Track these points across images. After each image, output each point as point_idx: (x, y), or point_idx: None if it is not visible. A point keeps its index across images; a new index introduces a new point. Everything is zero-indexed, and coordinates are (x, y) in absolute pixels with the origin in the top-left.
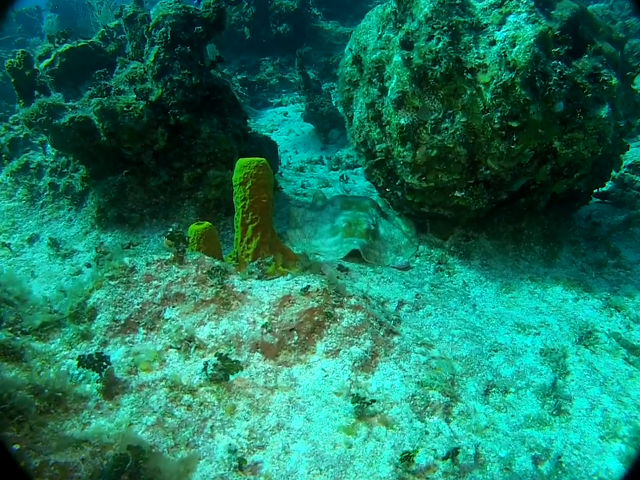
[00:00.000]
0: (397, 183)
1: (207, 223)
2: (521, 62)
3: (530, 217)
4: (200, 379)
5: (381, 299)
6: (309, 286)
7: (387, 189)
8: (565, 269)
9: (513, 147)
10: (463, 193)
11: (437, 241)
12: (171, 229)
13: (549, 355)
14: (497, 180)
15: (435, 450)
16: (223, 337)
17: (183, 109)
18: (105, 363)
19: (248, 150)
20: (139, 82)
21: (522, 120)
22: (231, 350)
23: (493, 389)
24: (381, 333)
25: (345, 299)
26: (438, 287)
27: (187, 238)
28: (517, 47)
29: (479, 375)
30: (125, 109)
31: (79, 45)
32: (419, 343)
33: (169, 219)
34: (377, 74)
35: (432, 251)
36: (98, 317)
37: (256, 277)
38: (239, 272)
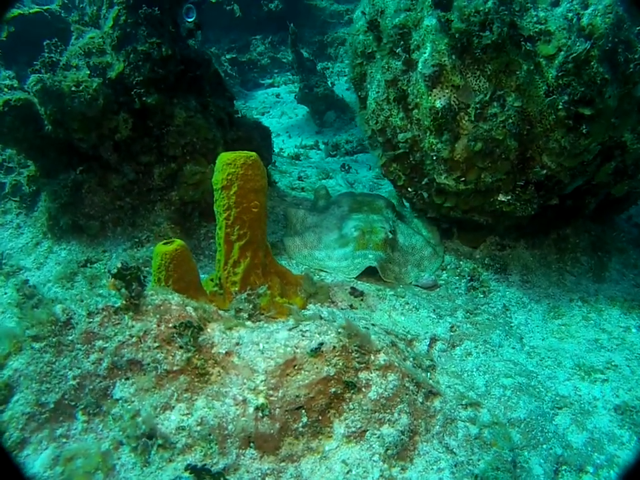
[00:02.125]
0: (424, 182)
1: (178, 241)
2: (600, 27)
3: (576, 222)
4: None
5: (408, 336)
6: (321, 344)
7: (409, 189)
8: (617, 285)
9: (580, 140)
10: (509, 197)
11: (466, 250)
12: (120, 264)
13: (627, 414)
14: (552, 181)
15: None
16: (198, 428)
17: (151, 88)
18: None
19: (235, 138)
20: (97, 55)
21: (597, 106)
22: (211, 448)
23: (565, 467)
24: (420, 400)
25: (372, 356)
26: (474, 312)
27: (142, 277)
28: (592, 7)
29: (544, 446)
30: (73, 88)
31: (30, 11)
32: (463, 403)
33: (136, 227)
34: (402, 43)
35: (461, 262)
36: (14, 398)
37: (246, 315)
38: (221, 310)
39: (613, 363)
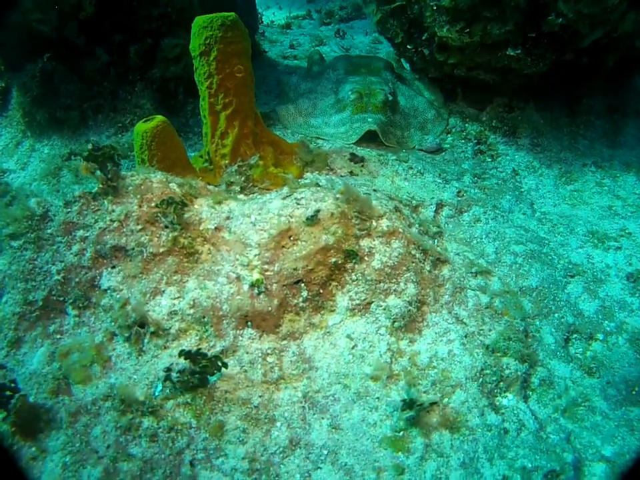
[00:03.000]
0: (424, 38)
1: (158, 117)
2: None
3: (590, 82)
4: (164, 388)
5: (413, 202)
6: (318, 211)
7: (409, 46)
8: (633, 150)
9: None
10: (519, 51)
11: (472, 112)
12: (90, 145)
13: (638, 282)
14: (567, 33)
15: (524, 464)
16: (191, 311)
17: None
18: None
19: (214, 4)
20: None
21: None
22: (206, 331)
23: (575, 336)
24: (427, 268)
25: (374, 222)
26: (482, 177)
27: (115, 156)
28: None
29: (556, 315)
30: None
31: None
32: (473, 271)
33: (118, 112)
34: None
35: (466, 125)
36: (2, 300)
37: (238, 188)
38: (211, 184)
39: (627, 231)
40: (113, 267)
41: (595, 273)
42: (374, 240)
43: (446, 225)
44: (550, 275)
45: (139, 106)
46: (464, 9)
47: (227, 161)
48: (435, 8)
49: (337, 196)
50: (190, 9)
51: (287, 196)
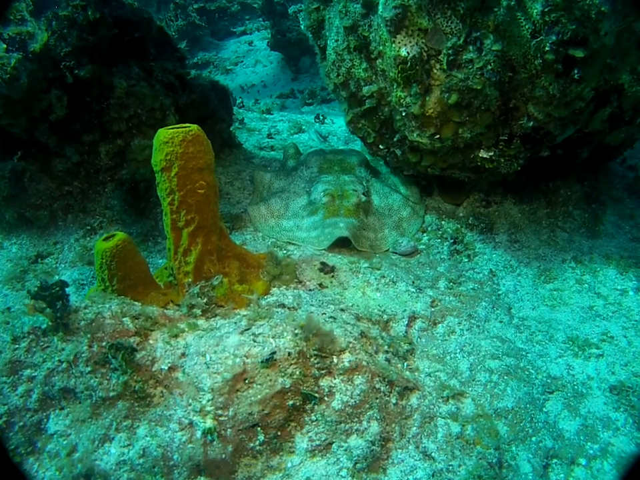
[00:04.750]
0: (396, 139)
1: (119, 235)
2: None
3: (567, 171)
4: None
5: (384, 316)
6: (274, 352)
7: (381, 146)
8: (613, 240)
9: (571, 87)
10: (492, 153)
11: (448, 208)
12: (38, 283)
13: (622, 394)
14: (539, 133)
15: None
16: (141, 461)
17: (83, 59)
18: None
19: (188, 102)
20: (16, 23)
21: (591, 46)
22: None
23: (555, 461)
24: (393, 401)
25: (335, 358)
26: (458, 281)
27: (64, 296)
28: None
29: (534, 439)
30: None
31: None
32: (444, 395)
33: (87, 212)
34: None
35: (443, 223)
36: None
37: (199, 312)
38: (174, 303)
39: (608, 334)
40: (62, 409)
41: (576, 387)
42: (335, 378)
43: (419, 340)
44: (527, 394)
45: (109, 207)
46: (433, 115)
47: (190, 279)
48: (404, 114)
49: (296, 331)
50: (161, 108)
51: (245, 330)
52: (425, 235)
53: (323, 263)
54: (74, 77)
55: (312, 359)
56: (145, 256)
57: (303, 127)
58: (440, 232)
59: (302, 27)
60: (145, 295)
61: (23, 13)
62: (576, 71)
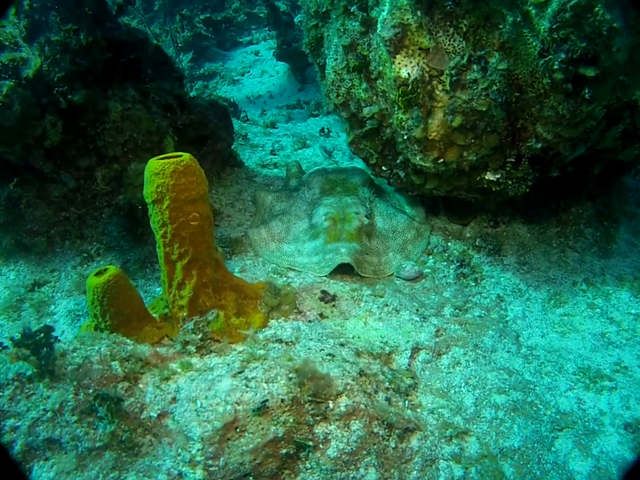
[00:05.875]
0: (399, 161)
1: (111, 270)
2: None
3: (578, 188)
4: None
5: (386, 348)
6: (266, 400)
7: (384, 167)
8: (627, 259)
9: (581, 107)
10: (499, 176)
11: (455, 229)
12: (22, 330)
13: (638, 432)
14: (549, 154)
15: None
16: None
17: (76, 83)
18: None
19: (187, 122)
20: (10, 49)
21: (603, 64)
22: None
23: None
24: (392, 445)
25: (331, 403)
26: (464, 308)
27: (49, 343)
28: None
29: None
30: None
31: None
32: (447, 434)
33: (84, 239)
34: None
35: (449, 244)
36: None
37: (193, 348)
38: (169, 337)
39: (622, 364)
40: (46, 460)
41: (587, 423)
42: (330, 424)
43: (422, 372)
44: (535, 431)
45: (106, 233)
46: (436, 139)
47: (184, 313)
48: (405, 137)
49: (291, 376)
50: (157, 131)
51: (238, 372)
52: (430, 257)
53: (323, 292)
54: (68, 102)
55: (306, 405)
56: (143, 283)
57: (308, 142)
58: (446, 254)
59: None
60: (138, 330)
61: (17, 39)
62: (587, 90)
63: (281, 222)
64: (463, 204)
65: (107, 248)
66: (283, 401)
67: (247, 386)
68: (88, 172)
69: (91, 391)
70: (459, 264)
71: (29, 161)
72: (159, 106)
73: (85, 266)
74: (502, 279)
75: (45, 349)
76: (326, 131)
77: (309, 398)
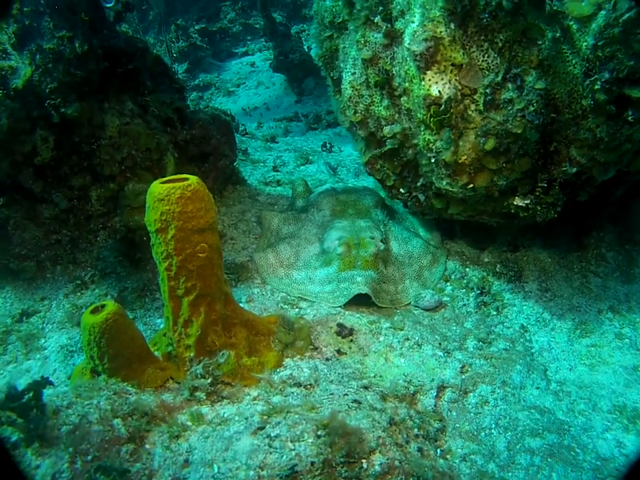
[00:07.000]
0: (419, 184)
1: (109, 306)
2: None
3: (599, 211)
4: None
5: (411, 388)
6: (295, 464)
7: (402, 190)
8: None
9: (622, 130)
10: (528, 201)
11: (472, 253)
12: (6, 389)
13: None
14: (581, 178)
15: None
16: None
17: (70, 95)
18: None
19: (188, 138)
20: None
21: None
22: None
23: None
24: None
25: (365, 463)
26: (487, 340)
27: (40, 404)
28: None
29: None
30: None
31: None
32: None
33: (77, 264)
34: (380, 8)
35: (467, 270)
36: None
37: (203, 395)
38: (174, 380)
39: None
40: None
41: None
42: None
43: (449, 414)
44: None
45: (101, 258)
46: (467, 163)
47: (192, 354)
48: (432, 160)
49: (319, 433)
50: (157, 148)
51: (259, 428)
52: (448, 284)
53: (340, 325)
54: (60, 116)
55: (339, 468)
56: (142, 314)
57: (310, 157)
58: (464, 281)
59: (305, 47)
60: (140, 373)
61: (5, 46)
62: (630, 113)
63: (289, 246)
64: (482, 228)
65: (102, 274)
66: (313, 464)
67: (271, 446)
68: (82, 192)
69: (89, 457)
70: (479, 292)
71: (18, 180)
72: (159, 120)
73: (79, 294)
74: (524, 307)
75: (34, 411)
76: (328, 145)
77: (342, 459)
